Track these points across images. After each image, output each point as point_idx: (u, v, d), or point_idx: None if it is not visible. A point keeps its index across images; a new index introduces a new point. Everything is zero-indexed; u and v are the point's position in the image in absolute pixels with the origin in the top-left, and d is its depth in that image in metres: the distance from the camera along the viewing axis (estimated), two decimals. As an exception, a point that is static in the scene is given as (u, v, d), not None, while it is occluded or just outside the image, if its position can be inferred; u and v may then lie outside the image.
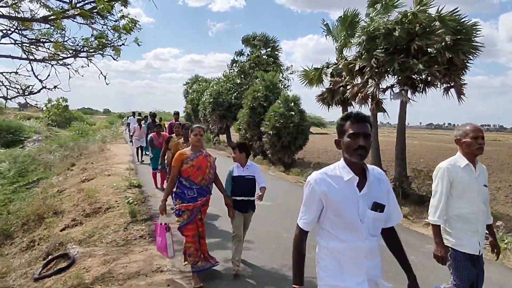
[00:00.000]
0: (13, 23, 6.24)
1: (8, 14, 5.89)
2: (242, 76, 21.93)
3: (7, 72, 6.55)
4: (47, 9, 5.88)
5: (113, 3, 5.93)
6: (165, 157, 7.48)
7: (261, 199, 4.38)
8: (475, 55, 9.80)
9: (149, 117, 15.24)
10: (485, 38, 10.94)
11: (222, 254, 4.94)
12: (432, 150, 25.76)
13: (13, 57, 6.46)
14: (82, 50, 6.73)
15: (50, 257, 5.49)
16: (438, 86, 10.38)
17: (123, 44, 6.74)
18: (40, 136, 28.90)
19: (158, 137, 9.31)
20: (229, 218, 4.44)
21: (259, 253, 5.11)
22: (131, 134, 13.47)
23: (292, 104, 14.47)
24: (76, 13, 5.86)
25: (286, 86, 21.06)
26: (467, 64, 10.04)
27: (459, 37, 9.29)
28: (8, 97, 6.48)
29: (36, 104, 7.15)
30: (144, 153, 14.39)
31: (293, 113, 14.14)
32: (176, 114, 11.36)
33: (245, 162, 4.42)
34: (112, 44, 6.64)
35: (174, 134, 7.64)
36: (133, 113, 22.12)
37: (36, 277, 4.94)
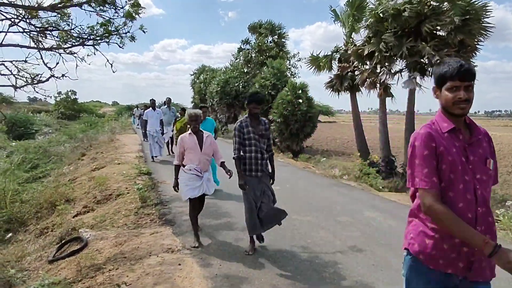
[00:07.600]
0: (20, 11, 6.28)
1: (14, 3, 5.94)
2: (248, 64, 21.81)
3: (17, 61, 6.61)
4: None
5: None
6: None
7: None
8: (486, 37, 9.65)
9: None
10: (498, 22, 10.71)
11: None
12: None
13: (21, 46, 6.50)
14: (88, 38, 6.77)
15: (63, 241, 5.60)
16: (448, 69, 10.24)
17: (128, 32, 6.77)
18: (51, 129, 29.30)
19: None
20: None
21: (265, 233, 5.08)
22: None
23: (300, 91, 14.39)
24: (83, 1, 5.89)
25: (293, 74, 20.90)
26: (477, 46, 9.89)
27: (468, 17, 9.13)
28: (17, 85, 6.54)
29: (44, 96, 7.21)
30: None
31: (300, 100, 14.07)
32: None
33: None
34: (118, 31, 6.66)
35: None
36: (152, 102, 12.43)
37: (50, 259, 5.05)
